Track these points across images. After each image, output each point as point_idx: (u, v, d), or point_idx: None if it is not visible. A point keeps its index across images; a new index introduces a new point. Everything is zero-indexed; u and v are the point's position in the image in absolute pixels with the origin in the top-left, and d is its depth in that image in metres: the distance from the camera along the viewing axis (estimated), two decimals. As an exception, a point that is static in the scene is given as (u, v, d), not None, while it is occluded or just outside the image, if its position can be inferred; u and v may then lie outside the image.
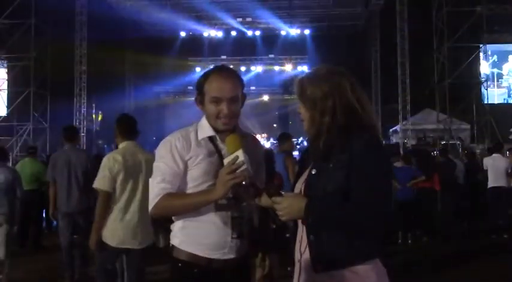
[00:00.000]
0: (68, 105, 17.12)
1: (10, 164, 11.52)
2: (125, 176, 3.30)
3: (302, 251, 1.68)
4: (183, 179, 1.88)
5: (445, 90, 15.05)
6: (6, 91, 17.22)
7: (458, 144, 15.12)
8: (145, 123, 20.61)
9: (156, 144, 2.16)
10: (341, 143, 1.60)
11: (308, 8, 19.41)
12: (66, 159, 5.01)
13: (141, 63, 20.50)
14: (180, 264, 1.89)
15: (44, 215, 7.52)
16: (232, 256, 1.88)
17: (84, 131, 17.56)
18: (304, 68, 21.28)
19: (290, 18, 20.12)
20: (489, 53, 17.30)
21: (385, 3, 18.19)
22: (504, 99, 19.75)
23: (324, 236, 1.61)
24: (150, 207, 1.88)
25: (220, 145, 1.91)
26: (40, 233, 7.38)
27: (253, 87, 21.60)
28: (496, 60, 19.10)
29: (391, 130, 19.21)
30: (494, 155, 8.21)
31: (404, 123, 17.00)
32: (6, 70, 17.26)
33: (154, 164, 1.93)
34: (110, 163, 3.30)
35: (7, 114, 16.51)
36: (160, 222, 2.92)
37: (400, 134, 17.19)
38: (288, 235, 4.12)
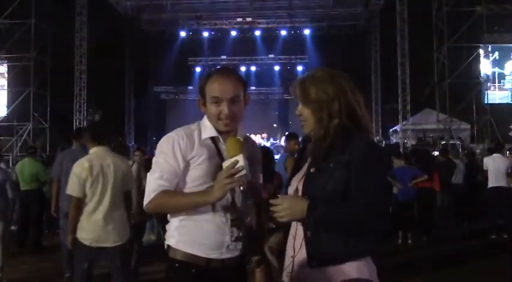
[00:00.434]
0: (68, 105, 17.13)
1: (10, 164, 11.56)
2: (93, 180, 3.53)
3: (296, 247, 1.70)
4: (182, 178, 1.87)
5: (445, 90, 15.05)
6: (6, 91, 17.23)
7: (458, 144, 15.12)
8: (146, 123, 20.68)
9: (156, 144, 2.15)
10: (342, 144, 1.65)
11: (308, 8, 19.39)
12: (73, 158, 5.03)
13: (141, 63, 20.50)
14: (177, 265, 1.87)
15: (44, 215, 7.52)
16: (229, 256, 1.88)
17: (84, 131, 17.52)
18: (304, 68, 21.31)
19: (290, 18, 20.12)
20: (489, 49, 16.85)
21: (385, 3, 18.20)
22: (507, 102, 18.94)
23: (322, 233, 1.64)
24: (145, 202, 1.86)
25: (222, 146, 1.90)
26: (40, 233, 7.38)
27: (253, 87, 21.60)
28: (497, 57, 18.36)
29: (391, 130, 19.21)
30: (494, 154, 8.21)
31: (404, 123, 17.00)
32: (6, 70, 17.26)
33: (154, 159, 1.90)
34: (78, 170, 3.56)
35: (7, 114, 16.52)
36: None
37: (400, 134, 17.20)
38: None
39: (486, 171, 8.15)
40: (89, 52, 17.25)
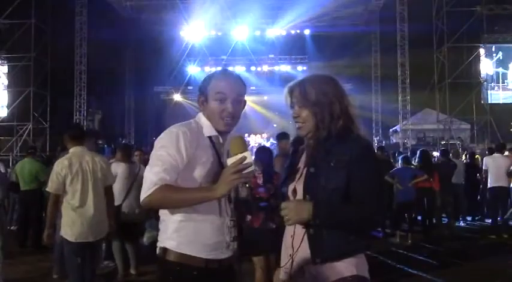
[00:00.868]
0: (68, 105, 17.13)
1: (10, 164, 11.55)
2: (72, 177, 3.71)
3: (295, 245, 1.74)
4: (182, 175, 1.79)
5: (445, 90, 15.05)
6: (6, 91, 17.23)
7: (458, 144, 15.12)
8: (146, 123, 20.70)
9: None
10: (343, 144, 1.73)
11: (308, 8, 19.37)
12: None
13: (141, 63, 20.50)
14: (178, 268, 1.80)
15: (44, 214, 7.52)
16: (226, 256, 1.88)
17: (84, 131, 17.53)
18: (304, 68, 21.29)
19: (290, 18, 20.11)
20: (493, 49, 16.72)
21: (385, 3, 18.20)
22: (509, 102, 18.70)
23: (324, 230, 1.70)
24: (143, 196, 1.75)
25: (220, 147, 1.90)
26: (40, 233, 7.36)
27: (253, 87, 21.59)
28: (501, 57, 18.13)
29: (391, 130, 19.23)
30: (494, 154, 8.21)
31: (404, 123, 17.01)
32: (7, 70, 17.27)
33: (155, 153, 1.80)
34: (58, 168, 3.73)
35: (7, 114, 16.52)
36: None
37: (400, 134, 17.21)
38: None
39: (486, 171, 8.15)
40: (89, 52, 17.26)
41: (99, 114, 18.69)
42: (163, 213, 1.87)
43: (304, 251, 1.72)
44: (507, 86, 18.89)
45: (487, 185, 8.14)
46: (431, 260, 6.24)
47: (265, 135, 21.62)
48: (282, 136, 5.75)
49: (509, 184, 7.91)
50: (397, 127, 17.66)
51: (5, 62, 17.19)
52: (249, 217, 4.00)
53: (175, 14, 19.24)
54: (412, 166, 7.79)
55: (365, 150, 1.75)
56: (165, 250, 1.84)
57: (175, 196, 1.76)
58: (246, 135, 19.97)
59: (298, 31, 20.72)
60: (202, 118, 1.93)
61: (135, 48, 20.64)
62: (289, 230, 1.79)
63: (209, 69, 19.43)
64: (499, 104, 18.46)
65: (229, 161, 1.71)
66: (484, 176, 8.38)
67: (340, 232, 1.70)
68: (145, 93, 21.44)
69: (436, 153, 12.33)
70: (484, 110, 15.72)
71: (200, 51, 21.39)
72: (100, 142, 17.08)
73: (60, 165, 3.74)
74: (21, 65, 15.51)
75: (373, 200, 1.69)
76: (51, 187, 3.71)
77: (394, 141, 18.09)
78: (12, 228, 8.03)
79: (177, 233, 1.83)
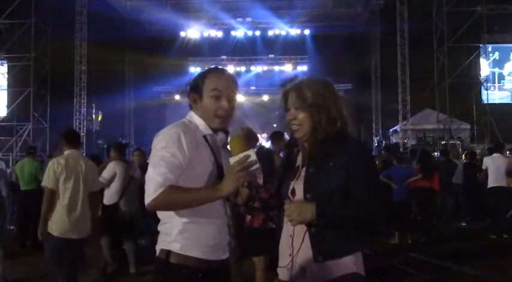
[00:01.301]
0: (68, 105, 17.12)
1: (10, 164, 11.56)
2: (66, 176, 3.94)
3: (295, 245, 1.76)
4: (182, 175, 1.76)
5: (445, 90, 15.05)
6: (6, 91, 17.22)
7: (458, 144, 15.11)
8: (146, 123, 20.66)
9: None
10: (341, 145, 1.77)
11: (308, 8, 19.40)
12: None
13: (141, 63, 20.49)
14: (184, 271, 1.77)
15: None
16: (226, 256, 1.88)
17: (84, 131, 17.55)
18: (304, 68, 21.28)
19: (290, 18, 20.11)
20: (489, 49, 16.71)
21: (385, 3, 18.20)
22: (507, 102, 18.91)
23: (326, 228, 1.72)
24: (149, 199, 1.70)
25: (215, 145, 1.88)
26: (40, 233, 7.36)
27: (253, 87, 21.57)
28: (497, 58, 18.25)
29: (391, 130, 19.20)
30: (494, 154, 8.20)
31: (404, 123, 17.00)
32: (7, 70, 17.26)
33: (157, 154, 1.76)
34: (54, 166, 3.95)
35: (7, 114, 16.51)
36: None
37: (400, 134, 17.20)
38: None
39: (486, 170, 8.15)
40: (89, 52, 17.25)
41: (99, 114, 18.67)
42: (166, 216, 1.84)
43: (305, 250, 1.74)
44: (503, 86, 18.94)
45: (486, 185, 8.13)
46: (431, 260, 6.24)
47: (265, 135, 21.60)
48: (278, 135, 5.75)
49: (509, 184, 7.91)
50: (397, 127, 17.64)
51: (5, 62, 17.20)
52: (249, 217, 4.00)
53: (175, 14, 19.24)
54: (405, 165, 7.78)
55: (363, 150, 1.82)
56: (168, 253, 1.80)
57: (182, 197, 1.73)
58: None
59: (298, 31, 20.72)
60: (194, 117, 1.91)
61: (135, 48, 20.63)
62: (288, 230, 1.81)
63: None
64: (499, 104, 18.49)
65: (233, 160, 1.70)
66: (483, 176, 8.38)
67: (341, 230, 1.73)
68: (145, 93, 21.43)
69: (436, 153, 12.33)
70: (484, 110, 15.71)
71: (200, 51, 21.39)
72: (100, 142, 17.11)
73: (56, 163, 3.96)
74: (21, 65, 15.50)
75: (374, 197, 1.74)
76: (48, 182, 3.91)
77: (394, 141, 18.07)
78: (12, 228, 8.02)
79: (181, 235, 1.79)
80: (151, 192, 1.70)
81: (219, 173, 1.84)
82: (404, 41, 16.82)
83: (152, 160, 1.77)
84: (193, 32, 20.69)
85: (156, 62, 20.45)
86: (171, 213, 1.80)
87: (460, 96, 15.43)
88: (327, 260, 1.71)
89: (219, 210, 1.85)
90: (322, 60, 19.66)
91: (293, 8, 19.32)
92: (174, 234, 1.80)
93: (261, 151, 4.43)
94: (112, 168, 5.40)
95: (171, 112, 22.58)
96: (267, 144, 18.21)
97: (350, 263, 1.72)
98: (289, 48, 21.11)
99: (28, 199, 7.28)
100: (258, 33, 20.88)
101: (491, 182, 7.94)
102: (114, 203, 5.42)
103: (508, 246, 7.07)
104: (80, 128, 17.48)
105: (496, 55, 18.15)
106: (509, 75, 19.32)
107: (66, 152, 4.14)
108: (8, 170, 8.81)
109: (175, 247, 1.79)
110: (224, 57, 21.34)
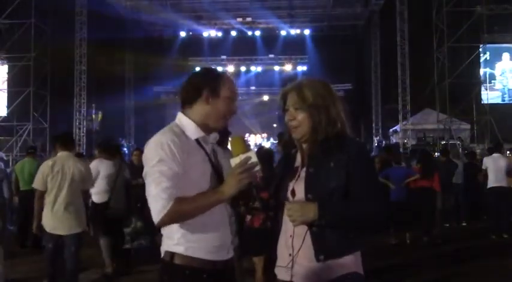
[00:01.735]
0: (68, 105, 17.14)
1: (10, 164, 11.55)
2: (53, 176, 4.26)
3: (295, 244, 1.76)
4: (179, 183, 1.73)
5: (445, 90, 15.05)
6: (6, 91, 17.23)
7: (458, 144, 15.11)
8: (146, 123, 20.67)
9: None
10: (341, 145, 1.77)
11: (308, 8, 19.41)
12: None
13: (141, 63, 20.51)
14: (187, 272, 1.77)
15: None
16: (230, 256, 1.89)
17: (84, 131, 17.57)
18: (304, 68, 21.29)
19: (290, 18, 20.13)
20: (480, 50, 16.70)
21: (385, 3, 18.22)
22: (506, 102, 18.90)
23: (327, 228, 1.73)
24: (158, 217, 1.68)
25: (207, 147, 1.87)
26: (40, 233, 7.37)
27: (253, 87, 21.60)
28: (488, 58, 18.13)
29: (391, 130, 19.21)
30: (494, 154, 8.20)
31: (404, 123, 17.02)
32: (7, 70, 17.27)
33: (154, 169, 1.72)
34: (43, 168, 4.32)
35: (7, 114, 16.52)
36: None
37: (400, 134, 17.21)
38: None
39: (486, 170, 8.15)
40: (88, 52, 17.26)
41: (99, 114, 18.68)
42: None
43: (305, 250, 1.74)
44: (494, 86, 18.94)
45: (486, 185, 8.13)
46: (432, 260, 6.24)
47: (265, 135, 21.61)
48: (283, 135, 5.75)
49: (509, 184, 7.90)
50: (397, 127, 17.65)
51: (5, 62, 17.21)
52: (249, 217, 4.00)
53: (175, 14, 19.26)
54: (403, 165, 7.77)
55: (362, 150, 1.84)
56: (172, 254, 1.80)
57: (189, 208, 1.73)
58: (246, 135, 19.97)
59: (298, 31, 20.73)
60: (183, 118, 1.88)
61: (135, 48, 20.63)
62: (287, 230, 1.81)
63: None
64: (499, 104, 18.48)
65: (233, 162, 1.71)
66: (483, 176, 8.37)
67: (341, 230, 1.74)
68: (145, 93, 21.44)
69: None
70: (484, 110, 15.71)
71: (200, 51, 21.40)
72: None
73: (44, 165, 4.34)
74: (21, 65, 15.52)
75: (374, 197, 1.75)
76: (36, 183, 4.31)
77: (394, 141, 18.07)
78: (12, 228, 8.02)
79: (185, 238, 1.78)
80: (159, 209, 1.69)
81: (218, 174, 1.84)
82: (404, 41, 16.84)
83: (151, 176, 1.73)
84: (193, 31, 20.71)
85: (156, 62, 20.48)
86: None
87: (460, 96, 15.43)
88: (328, 260, 1.72)
89: (220, 210, 1.84)
90: (322, 60, 19.68)
91: (293, 8, 19.33)
92: (177, 237, 1.79)
93: (261, 151, 4.43)
94: (94, 168, 5.36)
95: (171, 112, 22.61)
96: (267, 144, 18.27)
97: (350, 262, 1.73)
98: (289, 48, 21.14)
99: (28, 199, 7.25)
100: (258, 33, 20.89)
101: (491, 182, 7.94)
102: (104, 201, 5.43)
103: (508, 246, 7.07)
104: (80, 128, 17.50)
105: (487, 55, 18.10)
106: (500, 75, 19.30)
107: (58, 154, 4.46)
108: (8, 170, 8.80)
109: (179, 249, 1.79)
110: (224, 57, 21.36)
